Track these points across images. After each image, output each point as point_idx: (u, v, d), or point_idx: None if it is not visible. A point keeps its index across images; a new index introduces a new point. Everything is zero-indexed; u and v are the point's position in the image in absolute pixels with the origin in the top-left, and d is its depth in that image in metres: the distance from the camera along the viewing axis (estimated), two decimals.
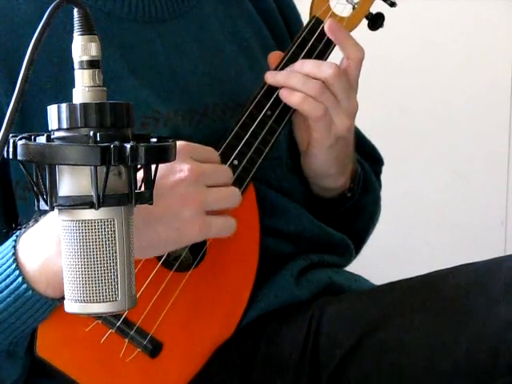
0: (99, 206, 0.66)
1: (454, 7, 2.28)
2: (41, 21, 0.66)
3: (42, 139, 0.68)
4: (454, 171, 2.32)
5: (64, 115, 0.67)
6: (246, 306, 1.03)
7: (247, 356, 1.02)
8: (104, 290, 0.68)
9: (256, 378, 1.01)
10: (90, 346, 0.97)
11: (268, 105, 1.06)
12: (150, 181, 0.70)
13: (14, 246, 0.90)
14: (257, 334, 1.03)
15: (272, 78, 1.06)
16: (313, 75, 1.05)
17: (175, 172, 0.90)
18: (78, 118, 0.67)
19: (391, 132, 2.21)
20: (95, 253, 0.67)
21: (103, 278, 0.67)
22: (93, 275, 0.67)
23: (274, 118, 1.06)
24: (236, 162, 1.02)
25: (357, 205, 1.19)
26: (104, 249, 0.67)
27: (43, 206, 0.68)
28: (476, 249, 2.22)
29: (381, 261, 2.05)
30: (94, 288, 0.67)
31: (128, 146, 0.65)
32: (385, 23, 1.13)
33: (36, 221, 0.90)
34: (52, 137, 0.67)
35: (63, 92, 0.92)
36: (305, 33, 1.09)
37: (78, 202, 0.67)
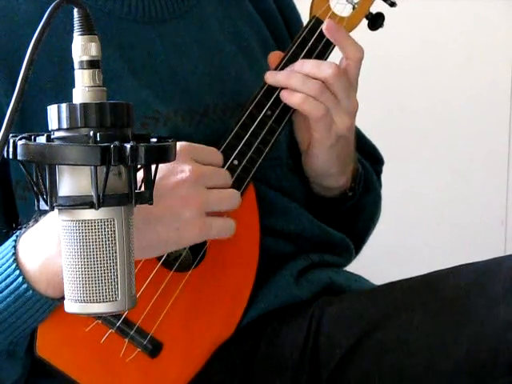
0: (99, 206, 0.66)
1: (454, 7, 2.28)
2: (41, 21, 0.66)
3: (41, 139, 0.68)
4: (454, 171, 2.32)
5: (64, 115, 0.67)
6: (246, 306, 1.03)
7: (247, 356, 1.02)
8: (104, 290, 0.68)
9: (256, 378, 1.01)
10: (90, 346, 0.97)
11: (268, 105, 1.06)
12: (150, 181, 0.70)
13: (14, 246, 0.90)
14: (257, 334, 1.03)
15: (272, 78, 1.06)
16: (312, 75, 1.05)
17: (176, 173, 0.90)
18: (77, 117, 0.67)
19: (391, 131, 2.21)
20: (95, 253, 0.67)
21: (103, 278, 0.67)
22: (93, 275, 0.67)
23: (274, 117, 1.06)
24: (236, 162, 1.02)
25: (357, 204, 1.19)
26: (104, 249, 0.67)
27: (43, 206, 0.68)
28: (476, 249, 2.22)
29: (381, 261, 2.05)
30: (94, 288, 0.67)
31: (128, 146, 0.65)
32: (385, 23, 1.13)
33: (36, 221, 0.90)
34: (52, 137, 0.67)
35: (63, 92, 0.92)
36: (305, 33, 1.09)
37: (78, 202, 0.67)
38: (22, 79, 0.65)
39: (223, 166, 0.99)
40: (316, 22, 1.09)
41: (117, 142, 0.65)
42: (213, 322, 1.01)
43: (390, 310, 0.98)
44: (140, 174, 0.69)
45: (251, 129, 1.04)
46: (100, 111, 0.67)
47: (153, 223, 0.88)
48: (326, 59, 1.09)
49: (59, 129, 0.67)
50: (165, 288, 0.98)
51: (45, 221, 0.88)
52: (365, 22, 1.13)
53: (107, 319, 0.96)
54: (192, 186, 0.90)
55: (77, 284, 0.68)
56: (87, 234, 0.67)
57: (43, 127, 0.70)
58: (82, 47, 0.69)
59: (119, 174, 0.68)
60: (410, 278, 1.02)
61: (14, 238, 0.91)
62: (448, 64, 2.29)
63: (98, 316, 0.94)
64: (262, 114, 1.05)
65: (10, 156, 0.67)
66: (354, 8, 1.12)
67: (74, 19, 0.69)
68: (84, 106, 0.67)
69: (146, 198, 0.70)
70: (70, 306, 0.69)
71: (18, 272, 0.89)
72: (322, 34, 1.08)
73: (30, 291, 0.89)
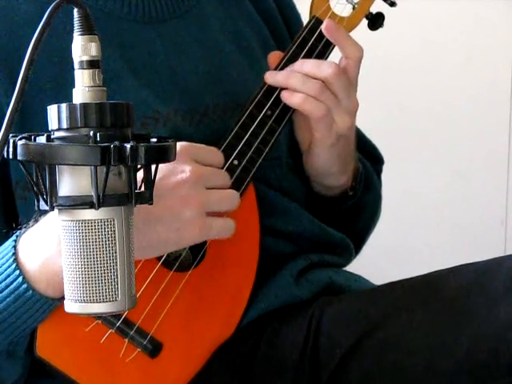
0: (99, 206, 0.66)
1: (454, 7, 2.28)
2: (41, 21, 0.66)
3: (41, 139, 0.68)
4: (454, 171, 2.32)
5: (64, 115, 0.67)
6: (246, 306, 1.03)
7: (247, 356, 1.02)
8: (104, 290, 0.68)
9: (256, 378, 1.01)
10: (90, 346, 0.97)
11: (268, 105, 1.06)
12: (150, 181, 0.70)
13: (14, 246, 0.90)
14: (257, 334, 1.03)
15: (272, 78, 1.06)
16: (312, 75, 1.05)
17: (177, 173, 0.90)
18: (77, 117, 0.67)
19: (391, 132, 2.21)
20: (95, 253, 0.67)
21: (103, 278, 0.67)
22: (93, 275, 0.67)
23: (273, 117, 1.06)
24: (236, 162, 1.02)
25: (358, 203, 1.19)
26: (104, 249, 0.67)
27: (43, 206, 0.68)
28: (476, 249, 2.22)
29: (381, 261, 2.05)
30: (94, 288, 0.67)
31: (128, 146, 0.65)
32: (385, 23, 1.13)
33: (36, 221, 0.90)
34: (52, 137, 0.67)
35: (63, 92, 0.91)
36: (305, 33, 1.09)
37: (78, 202, 0.67)
38: (22, 79, 0.65)
39: (223, 166, 0.99)
40: (316, 21, 1.09)
41: (117, 142, 0.65)
42: (213, 322, 1.01)
43: (390, 310, 0.98)
44: (140, 174, 0.69)
45: (251, 129, 1.04)
46: (100, 111, 0.67)
47: (153, 223, 0.88)
48: (325, 59, 1.09)
49: (59, 129, 0.67)
50: (165, 288, 0.98)
51: (45, 221, 0.88)
52: (365, 21, 1.13)
53: (107, 319, 0.96)
54: (192, 186, 0.90)
55: (77, 284, 0.68)
56: (87, 234, 0.67)
57: (43, 127, 0.70)
58: (81, 47, 0.69)
59: (119, 174, 0.68)
60: (410, 278, 1.02)
61: (14, 237, 0.91)
62: (448, 64, 2.29)
63: (97, 316, 0.94)
64: (261, 114, 1.05)
65: (10, 156, 0.67)
66: (353, 8, 1.12)
67: (74, 19, 0.69)
68: (84, 105, 0.67)
69: (146, 197, 0.70)
70: (70, 306, 0.69)
71: (17, 272, 0.89)
72: (321, 34, 1.08)
73: (30, 291, 0.89)
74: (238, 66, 1.12)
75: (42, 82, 0.98)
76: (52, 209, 0.68)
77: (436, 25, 2.29)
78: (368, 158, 1.25)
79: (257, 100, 1.06)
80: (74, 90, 0.69)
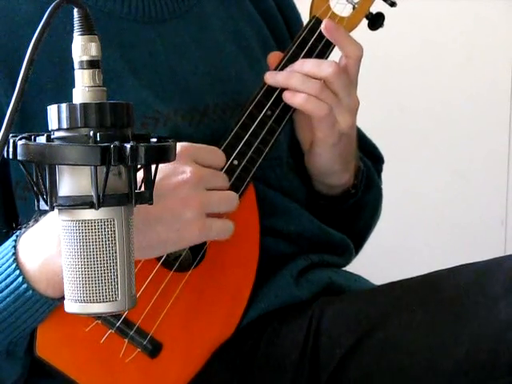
0: (99, 206, 0.66)
1: (454, 7, 2.28)
2: (41, 21, 0.66)
3: (41, 139, 0.68)
4: (454, 171, 2.32)
5: (64, 115, 0.67)
6: (246, 306, 1.02)
7: (247, 356, 1.02)
8: (104, 290, 0.67)
9: (256, 379, 1.01)
10: (90, 346, 0.97)
11: (268, 105, 1.06)
12: (150, 181, 0.70)
13: (15, 246, 0.90)
14: (257, 334, 1.03)
15: (272, 78, 1.06)
16: (312, 74, 1.05)
17: (177, 173, 0.90)
18: (77, 117, 0.67)
19: (391, 131, 2.21)
20: (95, 253, 0.67)
21: (103, 278, 0.67)
22: (93, 275, 0.67)
23: (273, 117, 1.06)
24: (236, 162, 1.02)
25: (360, 202, 1.19)
26: (104, 249, 0.67)
27: (43, 206, 0.68)
28: (476, 249, 2.22)
29: (381, 261, 2.05)
30: (94, 288, 0.67)
31: (128, 146, 0.65)
32: (385, 23, 1.13)
33: (36, 221, 0.90)
34: (52, 137, 0.67)
35: (63, 92, 0.91)
36: (305, 33, 1.09)
37: (78, 202, 0.67)
38: (22, 79, 0.65)
39: (223, 166, 0.99)
40: (316, 22, 1.09)
41: (117, 142, 0.65)
42: (213, 322, 1.01)
43: (389, 310, 0.98)
44: (140, 174, 0.69)
45: (251, 129, 1.04)
46: (100, 111, 0.67)
47: (153, 223, 0.88)
48: (325, 59, 1.09)
49: (59, 129, 0.67)
50: (165, 288, 0.98)
51: (45, 221, 0.88)
52: (365, 21, 1.13)
53: (107, 319, 0.96)
54: (193, 187, 0.90)
55: (77, 284, 0.68)
56: (87, 234, 0.67)
57: (43, 127, 0.70)
58: (81, 47, 0.69)
59: (119, 174, 0.68)
60: (410, 278, 1.02)
61: (13, 237, 0.91)
62: (448, 64, 2.29)
63: (97, 316, 0.94)
64: (261, 114, 1.05)
65: (10, 156, 0.67)
66: (354, 8, 1.12)
67: (74, 19, 0.69)
68: (84, 105, 0.67)
69: (146, 197, 0.69)
70: (70, 306, 0.68)
71: (17, 272, 0.89)
72: (321, 34, 1.08)
73: (30, 291, 0.89)
74: (238, 66, 1.12)
75: (42, 82, 0.98)
76: (52, 209, 0.68)
77: (436, 25, 2.29)
78: (368, 157, 1.25)
79: (257, 100, 1.06)
80: (74, 90, 0.69)
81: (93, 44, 0.69)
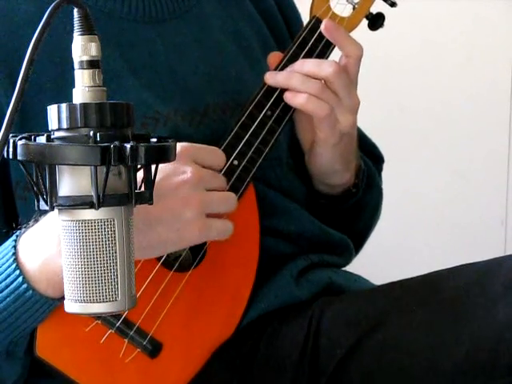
0: (99, 206, 0.66)
1: (454, 7, 2.28)
2: (41, 21, 0.66)
3: (41, 139, 0.68)
4: (454, 171, 2.32)
5: (64, 115, 0.67)
6: (246, 306, 1.02)
7: (247, 356, 1.02)
8: (104, 290, 0.67)
9: (256, 379, 1.01)
10: (90, 346, 0.97)
11: (268, 105, 1.06)
12: (150, 181, 0.70)
13: (15, 246, 0.90)
14: (257, 335, 1.03)
15: (272, 78, 1.06)
16: (312, 74, 1.05)
17: (178, 173, 0.90)
18: (77, 117, 0.67)
19: (391, 131, 2.21)
20: (95, 253, 0.67)
21: (103, 278, 0.67)
22: (93, 275, 0.67)
23: (273, 118, 1.06)
24: (236, 162, 1.02)
25: (360, 201, 1.19)
26: (104, 249, 0.67)
27: (43, 206, 0.68)
28: (476, 249, 2.22)
29: (381, 261, 2.05)
30: (94, 288, 0.67)
31: (128, 146, 0.65)
32: (385, 23, 1.13)
33: (36, 221, 0.90)
34: (52, 137, 0.67)
35: (63, 92, 0.92)
36: (305, 33, 1.09)
37: (78, 202, 0.67)
38: (22, 79, 0.65)
39: (223, 166, 0.99)
40: (316, 22, 1.09)
41: (117, 142, 0.65)
42: (213, 322, 1.01)
43: (389, 310, 0.98)
44: (140, 174, 0.69)
45: (251, 129, 1.04)
46: (100, 111, 0.67)
47: (153, 223, 0.88)
48: (326, 59, 1.09)
49: (59, 129, 0.67)
50: (165, 288, 0.98)
51: (45, 221, 0.88)
52: (365, 22, 1.13)
53: (107, 319, 0.96)
54: (193, 187, 0.90)
55: (77, 284, 0.68)
56: (87, 234, 0.67)
57: (43, 127, 0.69)
58: (81, 47, 0.69)
59: (119, 174, 0.68)
60: (410, 278, 1.02)
61: (14, 237, 0.91)
62: (448, 64, 2.29)
63: (97, 316, 0.94)
64: (261, 115, 1.05)
65: (10, 156, 0.67)
66: (354, 8, 1.12)
67: (74, 19, 0.69)
68: (84, 105, 0.67)
69: (146, 197, 0.69)
70: (70, 306, 0.68)
71: (18, 272, 0.89)
72: (322, 35, 1.08)
73: (30, 291, 0.89)
74: (238, 66, 1.12)
75: (42, 82, 0.98)
76: (52, 209, 0.68)
77: (436, 25, 2.29)
78: (368, 156, 1.25)
79: (257, 100, 1.06)
80: (74, 90, 0.69)
81: (93, 44, 0.69)
